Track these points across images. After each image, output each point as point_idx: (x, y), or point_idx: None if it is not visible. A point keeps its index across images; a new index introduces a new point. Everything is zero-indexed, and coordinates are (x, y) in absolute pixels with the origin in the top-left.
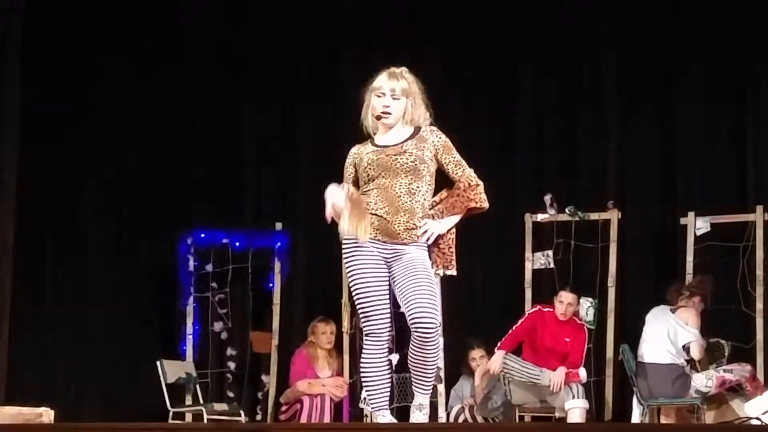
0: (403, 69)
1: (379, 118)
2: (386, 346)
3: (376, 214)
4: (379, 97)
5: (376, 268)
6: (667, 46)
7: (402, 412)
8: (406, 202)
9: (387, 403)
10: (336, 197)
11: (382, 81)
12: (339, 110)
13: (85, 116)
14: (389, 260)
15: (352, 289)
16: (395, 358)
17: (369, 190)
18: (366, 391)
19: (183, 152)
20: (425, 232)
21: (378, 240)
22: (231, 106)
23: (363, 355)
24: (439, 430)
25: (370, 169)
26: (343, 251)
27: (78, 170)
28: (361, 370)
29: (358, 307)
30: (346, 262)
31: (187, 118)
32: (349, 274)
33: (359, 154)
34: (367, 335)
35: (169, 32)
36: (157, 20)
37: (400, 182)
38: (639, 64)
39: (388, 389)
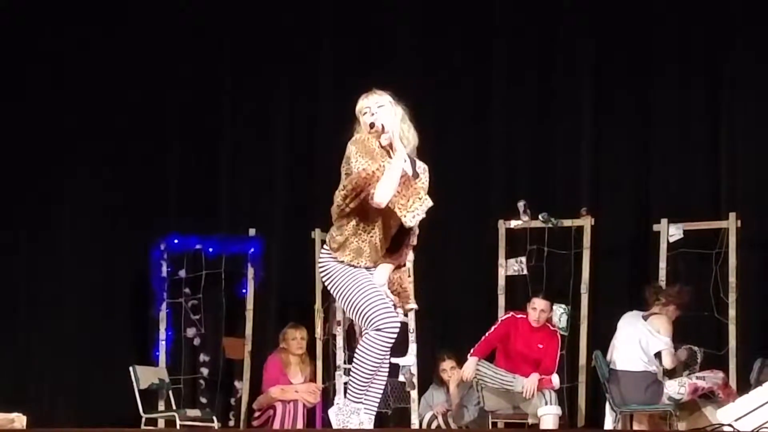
0: (374, 89)
1: (372, 126)
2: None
3: (370, 242)
4: (364, 113)
5: (371, 277)
6: (642, 53)
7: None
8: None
9: (373, 405)
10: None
11: (363, 102)
12: (315, 116)
13: (59, 121)
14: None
15: (354, 292)
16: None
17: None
18: (355, 386)
19: (157, 157)
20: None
21: (367, 266)
22: (206, 110)
23: (370, 350)
24: None
25: None
26: (330, 265)
27: (52, 175)
28: (363, 363)
29: (367, 305)
30: (339, 271)
31: (161, 123)
32: (345, 281)
33: (382, 153)
34: (378, 330)
35: (144, 34)
36: (131, 20)
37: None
38: (613, 70)
39: (379, 391)
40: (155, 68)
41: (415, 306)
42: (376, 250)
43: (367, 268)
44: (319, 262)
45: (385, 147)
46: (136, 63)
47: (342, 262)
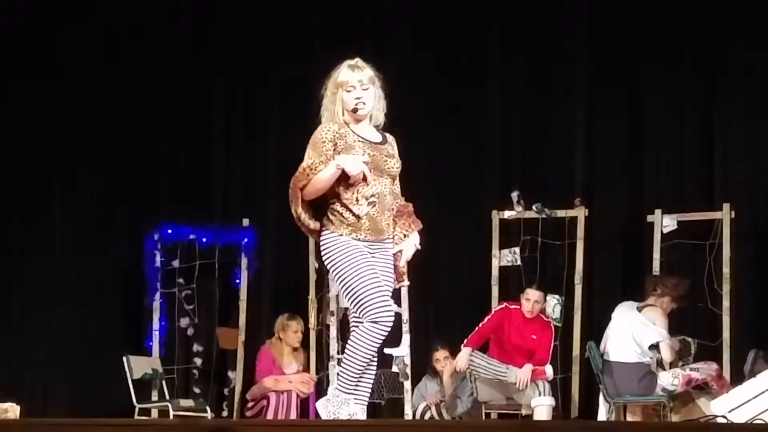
0: (358, 59)
1: (355, 111)
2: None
3: (367, 214)
4: (349, 91)
5: (372, 260)
6: (636, 43)
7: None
8: (390, 202)
9: (364, 396)
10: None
11: (348, 75)
12: (308, 106)
13: (51, 113)
14: (371, 255)
15: (352, 277)
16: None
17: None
18: (347, 377)
19: (150, 147)
20: (401, 251)
21: (367, 240)
22: (198, 100)
23: (364, 342)
24: (408, 427)
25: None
26: (332, 242)
27: (44, 167)
28: (355, 355)
29: (364, 294)
30: (340, 252)
31: (154, 113)
32: (345, 263)
33: (341, 135)
34: (374, 322)
35: (135, 27)
36: (123, 15)
37: (384, 182)
38: (607, 61)
39: (370, 381)
40: (149, 60)
41: (407, 282)
42: (374, 221)
43: (369, 243)
44: (321, 242)
45: (356, 123)
46: (130, 55)
47: (341, 235)
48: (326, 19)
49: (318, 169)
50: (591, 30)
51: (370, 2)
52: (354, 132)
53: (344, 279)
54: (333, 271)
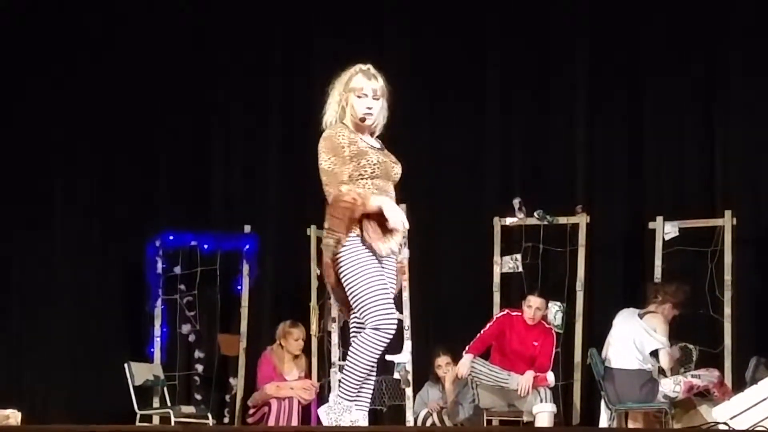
0: (370, 66)
1: (363, 120)
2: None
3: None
4: (360, 97)
5: (381, 266)
6: (636, 50)
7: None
8: None
9: (366, 402)
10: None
11: (362, 82)
12: (310, 113)
13: (52, 118)
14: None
15: (363, 281)
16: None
17: (369, 191)
18: (349, 384)
19: (151, 153)
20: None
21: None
22: (200, 106)
23: (366, 349)
24: None
25: (377, 168)
26: (350, 247)
27: (45, 171)
28: (358, 362)
29: (372, 300)
30: (354, 257)
31: (155, 119)
32: (358, 268)
33: (354, 140)
34: (376, 329)
35: (135, 28)
36: (123, 16)
37: (390, 189)
38: (608, 67)
39: (371, 388)
40: (150, 67)
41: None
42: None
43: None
44: (343, 245)
45: (358, 130)
46: (130, 63)
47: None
48: (326, 20)
49: (368, 200)
50: (592, 37)
51: (370, 3)
52: (361, 139)
53: (352, 282)
54: (342, 272)
